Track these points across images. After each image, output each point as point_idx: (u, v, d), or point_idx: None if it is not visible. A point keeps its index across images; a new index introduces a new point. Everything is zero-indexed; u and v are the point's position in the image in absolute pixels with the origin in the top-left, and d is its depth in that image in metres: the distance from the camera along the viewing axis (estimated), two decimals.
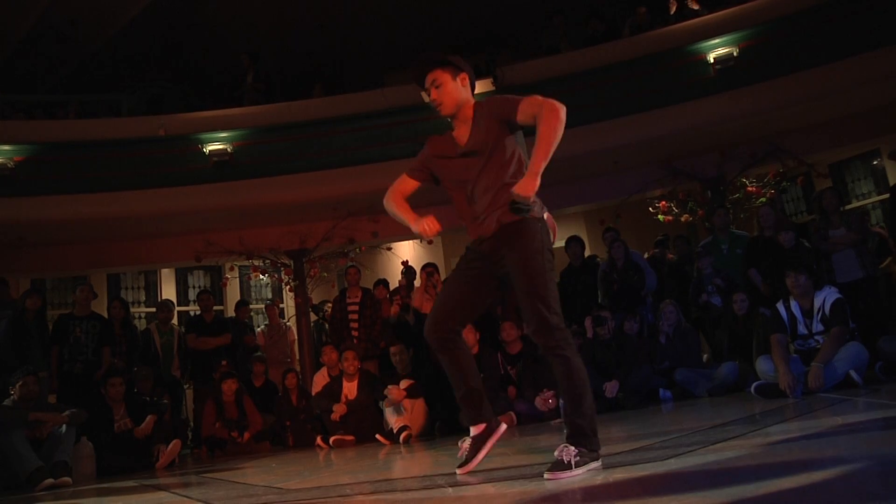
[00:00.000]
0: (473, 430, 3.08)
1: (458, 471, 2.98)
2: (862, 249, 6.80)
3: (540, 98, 2.82)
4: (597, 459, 2.66)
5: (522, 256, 2.82)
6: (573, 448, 2.60)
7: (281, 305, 11.72)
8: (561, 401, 5.80)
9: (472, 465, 2.98)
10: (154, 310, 9.83)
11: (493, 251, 2.95)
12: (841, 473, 2.00)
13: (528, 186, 2.72)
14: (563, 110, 2.78)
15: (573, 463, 2.55)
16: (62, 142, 9.37)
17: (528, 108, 2.83)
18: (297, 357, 9.78)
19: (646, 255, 8.35)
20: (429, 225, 3.05)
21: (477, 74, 9.84)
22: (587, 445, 2.65)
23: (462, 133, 3.04)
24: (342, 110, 9.84)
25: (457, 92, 3.01)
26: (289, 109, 9.97)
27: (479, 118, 2.97)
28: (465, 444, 3.07)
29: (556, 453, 2.61)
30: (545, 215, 2.97)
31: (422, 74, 3.07)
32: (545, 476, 2.54)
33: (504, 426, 3.14)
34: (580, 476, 2.51)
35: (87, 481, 5.79)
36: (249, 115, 10.01)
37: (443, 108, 3.02)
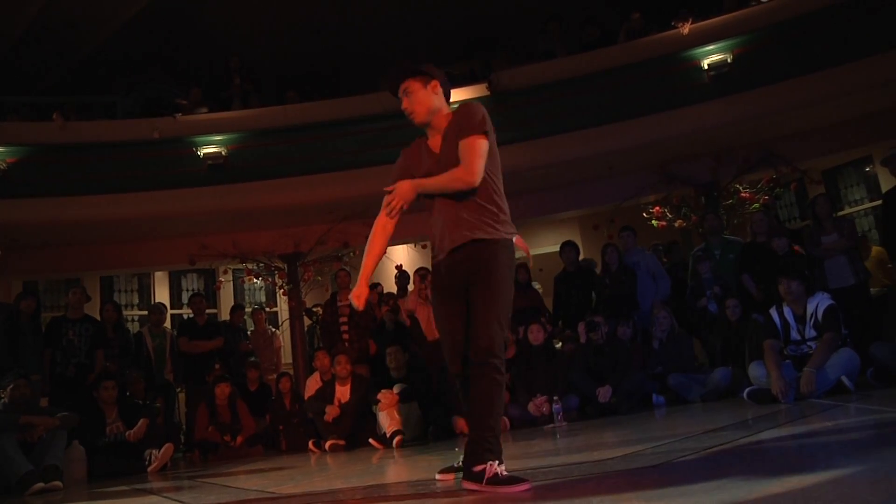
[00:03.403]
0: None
1: (437, 475, 3.02)
2: (854, 256, 6.84)
3: (475, 150, 2.82)
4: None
5: (487, 271, 2.80)
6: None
7: (274, 309, 11.70)
8: (554, 406, 5.84)
9: (451, 478, 2.96)
10: (147, 313, 9.80)
11: (457, 266, 2.89)
12: (832, 479, 2.00)
13: (404, 189, 2.82)
14: (471, 179, 2.80)
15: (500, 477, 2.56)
16: (56, 144, 9.33)
17: (464, 147, 2.84)
18: (283, 363, 9.74)
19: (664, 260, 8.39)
20: (357, 298, 2.98)
21: (472, 79, 9.88)
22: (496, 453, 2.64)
23: (436, 142, 3.03)
24: (337, 114, 9.83)
25: (428, 100, 3.01)
26: (283, 113, 9.96)
27: (449, 130, 2.97)
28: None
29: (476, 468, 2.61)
30: (515, 238, 2.95)
31: (394, 84, 3.06)
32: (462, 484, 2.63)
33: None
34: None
35: (78, 485, 5.76)
36: (244, 119, 10.00)
37: (415, 116, 3.01)
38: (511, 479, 2.55)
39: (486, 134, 2.85)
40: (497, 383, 2.71)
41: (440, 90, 3.05)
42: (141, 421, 6.54)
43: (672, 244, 9.21)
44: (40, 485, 5.07)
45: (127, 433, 6.47)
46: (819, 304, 5.29)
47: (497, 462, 2.60)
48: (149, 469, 6.25)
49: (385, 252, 3.17)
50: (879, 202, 8.00)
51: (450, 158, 2.88)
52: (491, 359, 2.70)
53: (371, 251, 3.09)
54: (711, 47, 8.86)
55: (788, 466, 2.36)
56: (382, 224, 3.08)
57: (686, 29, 9.04)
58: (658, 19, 9.81)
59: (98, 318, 7.97)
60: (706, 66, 8.84)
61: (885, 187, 8.35)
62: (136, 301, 11.51)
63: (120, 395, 6.75)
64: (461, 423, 6.06)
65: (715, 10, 9.33)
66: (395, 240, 10.77)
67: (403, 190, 2.84)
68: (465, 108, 2.97)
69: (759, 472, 2.27)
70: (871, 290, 7.27)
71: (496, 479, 2.55)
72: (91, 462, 6.18)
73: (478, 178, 2.81)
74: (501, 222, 2.89)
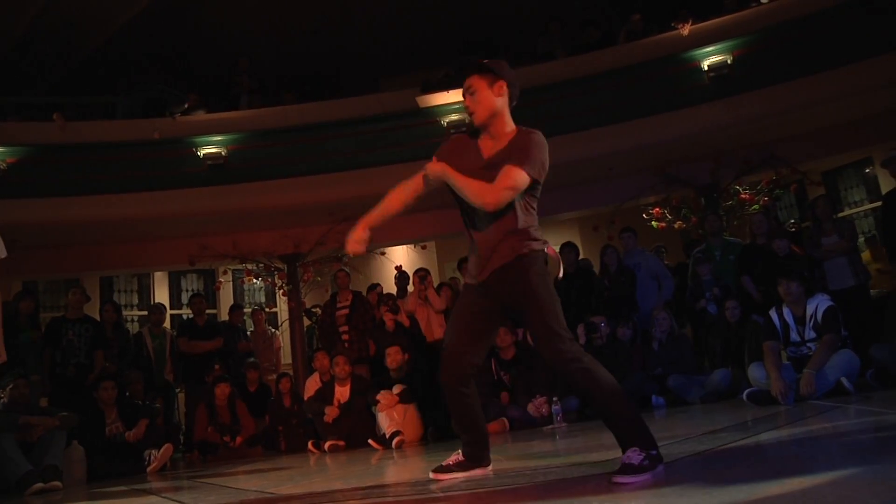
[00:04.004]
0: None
1: (431, 473, 3.05)
2: (854, 257, 6.84)
3: (510, 179, 2.74)
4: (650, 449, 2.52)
5: (526, 288, 2.77)
6: (637, 451, 2.49)
7: (274, 310, 11.70)
8: (554, 407, 5.83)
9: (445, 478, 2.99)
10: (146, 313, 9.80)
11: (495, 286, 2.88)
12: (832, 480, 2.00)
13: (436, 167, 2.86)
14: (491, 201, 2.76)
15: (642, 465, 2.44)
16: (56, 144, 9.34)
17: (505, 171, 2.76)
18: (282, 364, 9.73)
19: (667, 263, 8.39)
20: (353, 243, 2.96)
21: None
22: (643, 444, 2.53)
23: (488, 146, 2.94)
24: (338, 115, 9.84)
25: (490, 101, 2.89)
26: (284, 113, 9.96)
27: (509, 145, 2.88)
28: (457, 456, 3.08)
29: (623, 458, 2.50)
30: (547, 248, 2.92)
31: (461, 79, 2.98)
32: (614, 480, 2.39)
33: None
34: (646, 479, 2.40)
35: (77, 486, 5.76)
36: (244, 119, 10.00)
37: (475, 116, 2.92)
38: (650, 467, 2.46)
39: (528, 171, 2.75)
40: (589, 376, 2.65)
41: (506, 91, 2.93)
42: (140, 421, 6.54)
43: (693, 242, 9.11)
44: (39, 485, 5.06)
45: (126, 433, 6.47)
46: (819, 305, 5.29)
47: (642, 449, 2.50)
48: (148, 469, 6.25)
49: (397, 210, 3.04)
50: (879, 204, 8.00)
51: (495, 169, 2.81)
52: (569, 366, 2.67)
53: (384, 202, 3.03)
54: (711, 49, 8.87)
55: (788, 468, 2.36)
56: (407, 185, 3.03)
57: (686, 30, 9.05)
58: (658, 21, 9.82)
59: (98, 318, 7.97)
60: (706, 68, 8.85)
61: (884, 189, 8.35)
62: (135, 301, 11.52)
63: (119, 396, 6.74)
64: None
65: (715, 12, 9.34)
66: (395, 241, 10.83)
67: (436, 166, 2.87)
68: (533, 136, 2.87)
69: (759, 473, 2.27)
70: (871, 291, 7.28)
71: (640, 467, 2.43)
72: (90, 462, 6.18)
73: (496, 205, 2.76)
74: (532, 239, 2.86)
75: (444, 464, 3.07)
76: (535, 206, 2.90)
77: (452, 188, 2.86)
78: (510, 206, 2.81)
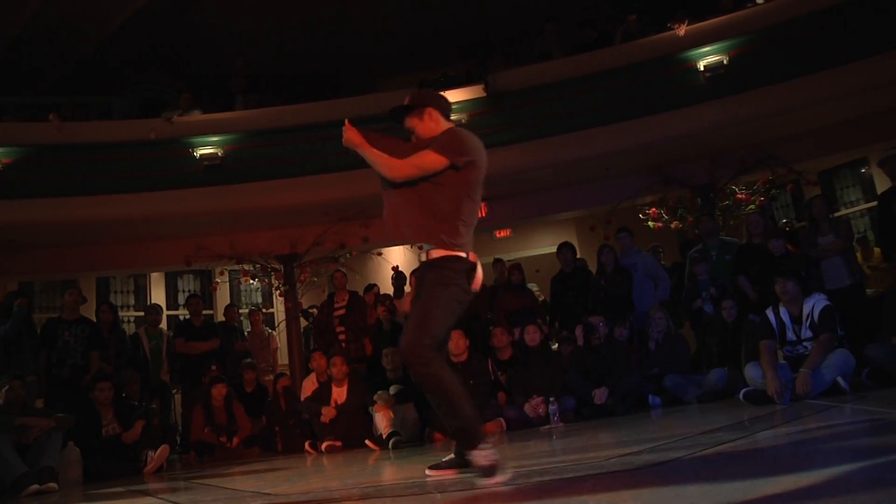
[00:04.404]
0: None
1: (427, 471, 3.16)
2: (850, 257, 6.85)
3: (418, 158, 3.03)
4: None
5: (426, 285, 3.02)
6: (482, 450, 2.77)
7: (270, 310, 11.69)
8: (551, 407, 5.84)
9: (438, 473, 3.10)
10: (143, 314, 9.79)
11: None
12: (828, 479, 2.01)
13: (352, 132, 3.09)
14: (394, 174, 3.05)
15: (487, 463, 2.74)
16: (52, 144, 9.31)
17: (417, 152, 3.06)
18: (279, 364, 9.73)
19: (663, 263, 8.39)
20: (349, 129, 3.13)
21: (469, 80, 9.87)
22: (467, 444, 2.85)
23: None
24: (334, 115, 9.78)
25: (428, 129, 3.19)
26: (280, 114, 9.95)
27: (436, 137, 3.16)
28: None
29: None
30: (468, 255, 3.05)
31: (399, 126, 3.26)
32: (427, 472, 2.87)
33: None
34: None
35: (73, 487, 5.75)
36: (241, 120, 9.99)
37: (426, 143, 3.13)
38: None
39: (442, 154, 2.99)
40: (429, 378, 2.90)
41: (436, 113, 3.21)
42: (137, 422, 6.53)
43: (688, 242, 9.13)
44: (35, 486, 5.05)
45: (123, 434, 6.46)
46: (815, 304, 5.30)
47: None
48: (145, 470, 6.25)
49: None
50: (875, 203, 8.02)
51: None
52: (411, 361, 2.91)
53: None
54: (707, 49, 8.88)
55: (784, 467, 2.36)
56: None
57: (682, 30, 9.06)
58: (654, 21, 9.83)
59: (94, 319, 7.96)
60: (702, 68, 8.85)
61: (880, 189, 8.38)
62: (132, 302, 11.49)
63: (116, 397, 6.74)
64: None
65: (711, 12, 9.35)
66: (392, 241, 10.82)
67: (352, 134, 3.09)
68: (449, 131, 3.16)
69: (755, 472, 2.27)
70: (867, 290, 7.30)
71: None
72: (87, 463, 6.17)
73: (400, 177, 3.03)
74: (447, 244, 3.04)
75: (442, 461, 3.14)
76: (459, 208, 3.04)
77: (368, 156, 3.08)
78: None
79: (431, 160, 2.99)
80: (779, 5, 8.88)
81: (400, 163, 3.03)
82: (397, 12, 11.53)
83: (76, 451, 6.12)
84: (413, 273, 2.70)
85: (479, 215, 9.92)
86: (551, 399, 5.94)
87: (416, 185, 3.05)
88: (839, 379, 5.03)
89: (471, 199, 3.08)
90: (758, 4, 9.18)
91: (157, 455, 6.32)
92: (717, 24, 9.08)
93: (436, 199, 3.03)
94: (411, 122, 3.22)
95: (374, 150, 3.06)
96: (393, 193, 3.12)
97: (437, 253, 3.03)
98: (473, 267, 3.05)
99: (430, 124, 3.19)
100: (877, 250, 8.19)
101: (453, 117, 10.17)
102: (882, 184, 8.54)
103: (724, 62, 8.76)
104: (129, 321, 11.03)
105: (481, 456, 2.75)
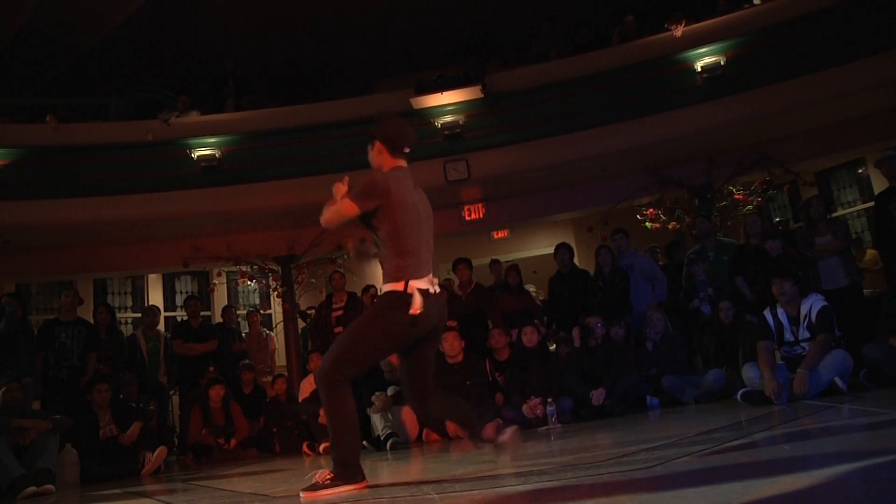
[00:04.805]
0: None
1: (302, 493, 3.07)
2: (847, 257, 6.85)
3: (335, 205, 3.19)
4: (346, 484, 3.00)
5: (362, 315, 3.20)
6: (327, 472, 3.01)
7: (268, 312, 11.68)
8: (548, 408, 5.84)
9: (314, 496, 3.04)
10: (140, 315, 9.77)
11: None
12: (826, 480, 2.01)
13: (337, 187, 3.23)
14: (322, 219, 3.26)
15: (323, 484, 2.97)
16: (49, 145, 9.30)
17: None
18: (277, 365, 9.71)
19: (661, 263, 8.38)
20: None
21: (466, 81, 9.83)
22: (340, 474, 3.01)
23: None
24: (331, 116, 9.83)
25: (374, 162, 3.35)
26: (277, 115, 9.95)
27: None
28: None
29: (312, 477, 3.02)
30: (416, 284, 3.10)
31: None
32: (301, 495, 2.96)
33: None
34: (328, 497, 2.90)
35: (70, 489, 5.74)
36: (238, 121, 9.99)
37: None
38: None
39: (353, 201, 3.12)
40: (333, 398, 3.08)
41: (383, 147, 3.31)
42: (134, 424, 6.52)
43: (674, 244, 9.19)
44: (32, 488, 5.03)
45: (120, 436, 6.45)
46: (812, 305, 5.30)
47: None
48: (142, 472, 6.23)
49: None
50: (872, 204, 8.03)
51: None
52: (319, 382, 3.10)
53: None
54: (704, 50, 8.90)
55: (782, 468, 2.36)
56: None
57: (679, 31, 9.07)
58: (651, 22, 9.85)
59: (91, 320, 7.94)
60: (699, 69, 8.87)
61: (877, 189, 8.39)
62: (129, 303, 11.47)
63: (113, 398, 6.73)
64: (453, 427, 6.08)
65: (708, 13, 9.37)
66: None
67: (339, 189, 3.24)
68: (365, 179, 3.19)
69: (753, 473, 2.27)
70: (865, 291, 7.31)
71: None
72: (84, 465, 6.16)
73: (325, 224, 3.24)
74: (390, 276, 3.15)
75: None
76: (396, 244, 3.13)
77: (325, 210, 3.26)
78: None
79: (345, 207, 3.13)
80: (775, 6, 8.91)
81: (326, 213, 3.21)
82: (394, 13, 11.54)
83: (73, 453, 6.11)
84: None
85: (477, 216, 9.85)
86: (549, 400, 5.94)
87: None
88: (837, 379, 5.04)
89: (407, 231, 3.15)
90: (754, 5, 9.20)
91: (154, 457, 6.31)
92: (713, 24, 9.10)
93: (379, 234, 3.19)
94: (369, 150, 3.37)
95: (335, 203, 3.18)
96: None
97: (382, 286, 3.18)
98: (408, 298, 3.07)
99: (376, 157, 3.33)
100: (869, 252, 8.19)
101: (449, 119, 10.13)
102: (879, 184, 8.56)
103: (721, 63, 8.78)
104: (126, 322, 11.01)
105: (323, 476, 2.99)
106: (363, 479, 3.07)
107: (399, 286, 3.08)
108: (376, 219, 3.14)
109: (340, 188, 3.20)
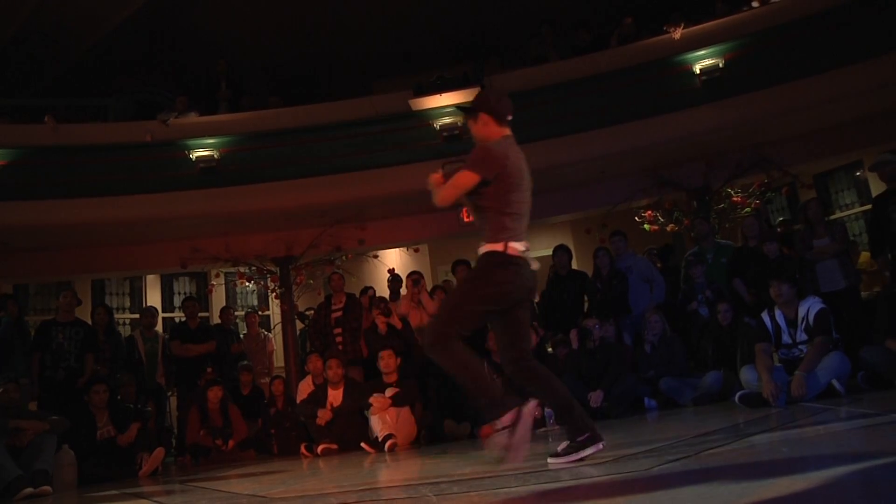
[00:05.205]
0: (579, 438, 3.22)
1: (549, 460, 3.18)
2: (844, 260, 6.86)
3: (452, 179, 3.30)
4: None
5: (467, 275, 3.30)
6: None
7: (266, 313, 11.68)
8: (546, 409, 5.84)
9: (561, 461, 3.16)
10: (138, 316, 9.76)
11: None
12: (823, 482, 2.01)
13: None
14: (437, 200, 3.34)
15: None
16: (47, 146, 9.29)
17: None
18: (275, 366, 9.71)
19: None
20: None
21: (465, 83, 9.81)
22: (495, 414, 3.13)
23: None
24: (330, 118, 9.83)
25: (480, 134, 3.42)
26: (276, 116, 9.95)
27: None
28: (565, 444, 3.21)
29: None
30: (516, 247, 3.22)
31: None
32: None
33: (600, 445, 3.21)
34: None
35: (67, 490, 5.73)
36: (237, 122, 9.98)
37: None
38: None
39: (473, 171, 3.22)
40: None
41: (489, 119, 3.39)
42: (132, 425, 6.51)
43: (668, 248, 9.21)
44: (29, 490, 5.02)
45: (118, 437, 6.44)
46: (810, 307, 5.31)
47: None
48: (140, 473, 6.22)
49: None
50: (869, 206, 8.04)
51: None
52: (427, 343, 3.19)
53: None
54: (703, 52, 8.90)
55: (779, 470, 2.36)
56: None
57: (678, 34, 9.08)
58: (650, 24, 9.85)
59: (89, 321, 7.93)
60: (698, 71, 8.87)
61: (875, 192, 8.40)
62: (127, 304, 11.47)
63: (111, 399, 6.71)
64: (450, 426, 6.09)
65: (707, 15, 9.37)
66: (389, 243, 10.84)
67: (435, 178, 3.41)
68: (478, 148, 3.32)
69: (750, 475, 2.28)
70: (862, 293, 7.31)
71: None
72: (81, 466, 6.14)
73: (442, 203, 3.32)
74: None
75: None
76: (504, 208, 3.24)
77: (438, 188, 3.37)
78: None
79: (465, 178, 3.23)
80: (774, 8, 8.92)
81: (441, 191, 3.31)
82: (394, 14, 11.54)
83: (70, 454, 6.09)
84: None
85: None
86: None
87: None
88: (834, 381, 5.05)
89: (516, 197, 3.29)
90: (753, 8, 9.21)
91: (151, 458, 6.30)
92: (712, 27, 9.10)
93: (482, 200, 3.29)
94: (469, 124, 3.48)
95: (440, 187, 3.33)
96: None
97: (481, 248, 3.26)
98: (510, 259, 3.20)
99: (483, 129, 3.40)
100: (863, 254, 8.20)
101: (448, 121, 10.15)
102: (877, 187, 8.57)
103: (720, 65, 8.78)
104: (124, 324, 11.01)
105: (497, 438, 3.06)
106: (517, 404, 3.12)
107: (499, 246, 3.20)
108: (484, 189, 3.25)
109: (437, 178, 3.37)
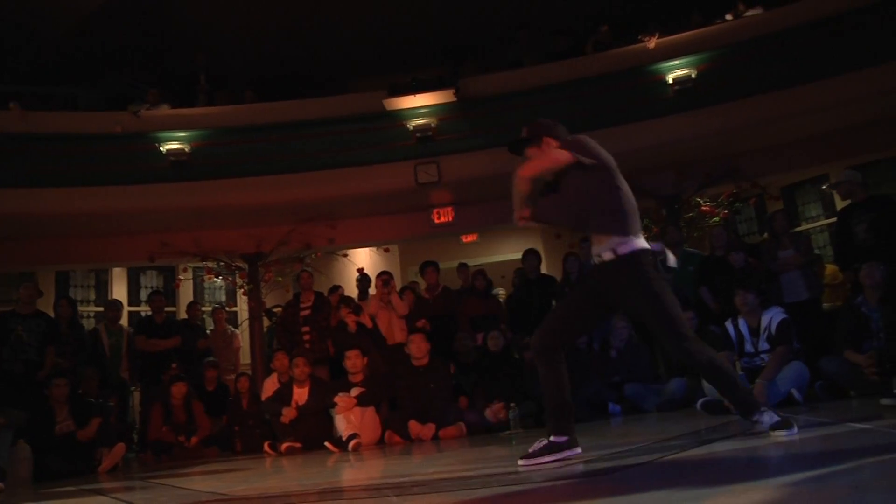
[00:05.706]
0: (555, 439, 3.28)
1: (519, 461, 3.19)
2: (808, 271, 6.99)
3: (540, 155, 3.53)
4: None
5: (636, 288, 3.38)
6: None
7: (234, 309, 11.57)
8: (511, 412, 5.86)
9: (532, 463, 3.17)
10: (103, 309, 9.62)
11: (605, 280, 3.49)
12: (780, 488, 2.04)
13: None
14: (530, 168, 3.54)
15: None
16: (13, 133, 9.09)
17: None
18: (241, 363, 9.63)
19: None
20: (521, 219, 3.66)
21: (440, 85, 9.81)
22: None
23: None
24: (304, 115, 9.77)
25: (550, 159, 3.52)
26: (250, 111, 9.86)
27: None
28: (541, 444, 3.25)
29: None
30: (649, 244, 3.48)
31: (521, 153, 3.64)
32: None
33: (578, 450, 3.33)
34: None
35: (22, 486, 5.63)
36: (209, 116, 9.87)
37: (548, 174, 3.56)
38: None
39: (568, 150, 3.42)
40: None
41: (553, 141, 3.57)
42: (93, 420, 6.41)
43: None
44: None
45: (78, 432, 6.34)
46: (773, 317, 5.40)
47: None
48: (99, 469, 6.13)
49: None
50: (835, 220, 8.20)
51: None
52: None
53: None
54: (676, 62, 9.00)
55: (738, 476, 2.40)
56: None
57: (652, 43, 9.17)
58: (625, 33, 9.93)
59: (52, 313, 7.79)
60: (671, 81, 8.97)
61: (840, 205, 8.56)
62: (92, 297, 11.28)
63: (72, 393, 6.61)
64: (416, 428, 6.09)
65: (681, 26, 9.48)
66: (358, 242, 10.79)
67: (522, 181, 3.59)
68: (573, 137, 3.56)
69: (710, 481, 2.31)
70: (824, 305, 7.45)
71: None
72: (38, 461, 6.03)
73: (529, 175, 3.56)
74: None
75: (530, 450, 3.25)
76: (624, 205, 3.50)
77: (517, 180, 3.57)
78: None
79: (560, 155, 3.39)
80: (746, 22, 9.06)
81: (531, 164, 3.50)
82: (371, 15, 11.50)
83: (27, 449, 5.98)
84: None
85: (447, 220, 9.83)
86: (511, 405, 5.97)
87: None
88: (793, 391, 5.14)
89: (627, 190, 3.52)
90: (726, 21, 9.34)
91: (111, 453, 6.21)
92: (686, 38, 9.21)
93: (596, 192, 3.49)
94: (531, 153, 3.58)
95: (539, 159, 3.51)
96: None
97: (625, 248, 3.40)
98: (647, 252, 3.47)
99: (550, 154, 3.51)
100: (829, 267, 8.35)
101: (421, 122, 10.15)
102: (842, 200, 8.74)
103: (693, 76, 8.89)
104: (88, 316, 10.82)
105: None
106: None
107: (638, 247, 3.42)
108: (598, 182, 3.45)
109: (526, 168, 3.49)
